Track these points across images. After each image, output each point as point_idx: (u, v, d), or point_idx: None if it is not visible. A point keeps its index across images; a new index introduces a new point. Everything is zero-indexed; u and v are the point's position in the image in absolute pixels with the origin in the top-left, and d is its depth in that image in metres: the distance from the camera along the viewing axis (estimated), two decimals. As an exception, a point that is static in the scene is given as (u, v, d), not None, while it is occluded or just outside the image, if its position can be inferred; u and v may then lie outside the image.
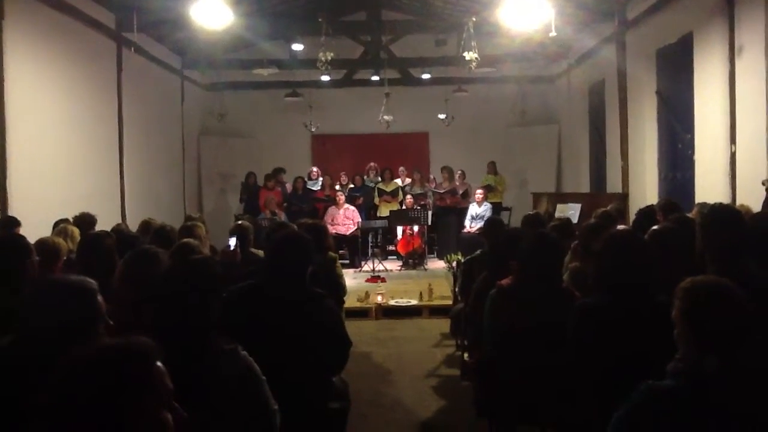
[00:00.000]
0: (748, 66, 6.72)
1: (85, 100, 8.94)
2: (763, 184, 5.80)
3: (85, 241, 4.38)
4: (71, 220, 6.07)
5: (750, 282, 2.46)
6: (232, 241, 4.62)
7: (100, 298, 2.27)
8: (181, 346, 1.86)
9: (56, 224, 5.90)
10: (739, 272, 2.61)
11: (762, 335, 2.05)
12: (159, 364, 1.49)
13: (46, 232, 5.39)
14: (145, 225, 5.80)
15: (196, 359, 2.15)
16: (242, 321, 2.93)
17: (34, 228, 5.56)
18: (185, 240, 4.21)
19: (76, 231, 5.51)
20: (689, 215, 5.07)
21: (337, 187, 12.86)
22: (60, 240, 4.59)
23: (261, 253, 5.01)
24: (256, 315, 3.06)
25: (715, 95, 7.33)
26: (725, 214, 3.27)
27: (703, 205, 5.35)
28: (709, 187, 7.43)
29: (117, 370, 1.42)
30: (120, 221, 8.06)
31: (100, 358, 1.44)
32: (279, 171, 13.16)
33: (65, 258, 4.46)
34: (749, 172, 6.61)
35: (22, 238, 3.89)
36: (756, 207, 5.52)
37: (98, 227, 6.05)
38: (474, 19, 10.06)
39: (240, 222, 5.73)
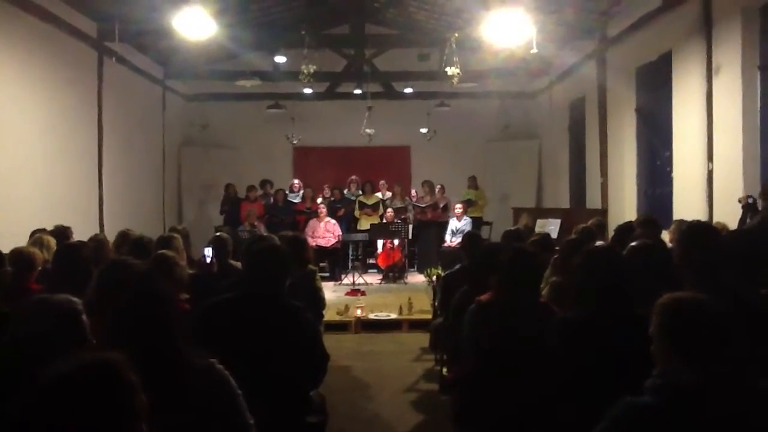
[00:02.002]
0: (725, 85, 6.82)
1: (65, 109, 8.86)
2: (740, 201, 5.87)
3: (62, 251, 4.33)
4: (48, 230, 6.00)
5: (726, 297, 2.48)
6: (208, 252, 4.59)
7: (84, 318, 2.24)
8: (148, 360, 1.82)
9: (32, 234, 5.83)
10: (716, 288, 2.63)
11: (740, 350, 2.06)
12: (132, 378, 1.47)
13: (22, 241, 5.33)
14: (123, 236, 5.75)
15: (166, 373, 2.11)
16: (218, 334, 2.90)
17: (10, 238, 5.49)
18: (161, 252, 4.17)
19: (53, 241, 5.44)
20: (667, 231, 5.13)
21: (320, 199, 12.82)
22: (35, 250, 4.53)
23: (240, 265, 4.98)
24: (232, 328, 3.04)
25: (693, 113, 7.42)
26: (702, 231, 3.30)
27: (681, 221, 5.41)
28: (687, 203, 7.51)
29: (90, 387, 1.40)
30: (98, 231, 7.97)
31: (74, 376, 1.42)
32: (265, 183, 13.13)
33: (40, 268, 4.41)
34: (726, 190, 6.69)
35: (-4, 247, 3.84)
36: (732, 224, 5.59)
37: (76, 237, 6.00)
38: (456, 34, 10.13)
39: (218, 234, 5.70)
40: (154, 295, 2.32)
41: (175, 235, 5.33)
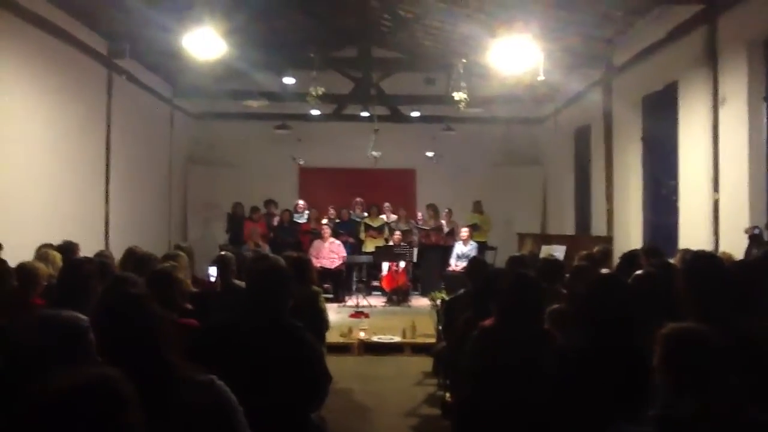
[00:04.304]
0: (731, 115, 6.85)
1: (73, 125, 8.92)
2: (746, 232, 5.86)
3: (67, 266, 4.34)
4: (54, 245, 6.02)
5: (728, 329, 2.47)
6: (213, 271, 4.60)
7: (91, 336, 2.24)
8: (141, 376, 1.82)
9: (38, 249, 5.85)
10: (719, 320, 2.62)
11: (740, 383, 2.06)
12: (128, 393, 1.48)
13: (28, 256, 5.35)
14: (129, 253, 5.76)
15: (156, 389, 2.10)
16: (219, 353, 2.89)
17: (17, 252, 5.51)
18: (161, 266, 4.17)
19: (58, 256, 5.46)
20: (672, 261, 5.12)
21: (325, 220, 12.84)
22: (40, 265, 4.55)
23: (243, 284, 4.98)
24: (233, 348, 3.03)
25: (699, 143, 7.44)
26: (707, 262, 3.30)
27: (686, 251, 5.40)
28: (693, 233, 7.50)
29: (85, 403, 1.40)
30: (103, 248, 7.99)
31: (69, 391, 1.43)
32: (270, 203, 13.16)
33: (45, 283, 4.42)
34: (732, 220, 6.68)
35: (2, 262, 3.85)
36: (738, 254, 5.58)
37: (82, 253, 6.02)
38: (464, 60, 10.20)
39: (222, 253, 5.72)
40: (139, 308, 2.31)
41: (180, 252, 5.35)
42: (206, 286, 4.60)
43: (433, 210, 12.69)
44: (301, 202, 13.41)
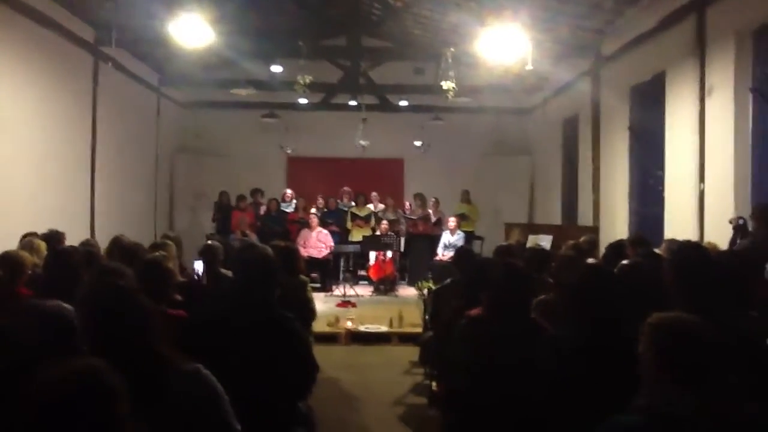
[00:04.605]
0: (717, 106, 6.87)
1: (59, 113, 8.85)
2: (730, 222, 5.90)
3: (52, 256, 4.31)
4: (39, 234, 5.97)
5: (715, 319, 2.49)
6: (199, 266, 4.58)
7: (75, 325, 2.23)
8: (129, 367, 1.81)
9: (23, 237, 5.80)
10: (705, 309, 2.63)
11: (726, 372, 2.07)
12: (115, 383, 1.47)
13: (12, 245, 5.30)
14: (115, 242, 5.72)
15: (146, 379, 2.09)
16: (206, 344, 2.88)
17: (2, 241, 5.46)
18: (151, 255, 4.14)
19: (43, 245, 5.42)
20: (658, 251, 5.15)
21: (314, 210, 12.81)
22: (25, 254, 4.51)
23: (230, 273, 4.97)
24: (221, 337, 3.02)
25: (685, 133, 7.47)
26: (693, 252, 3.32)
27: (672, 241, 5.44)
28: (678, 223, 7.54)
29: (72, 394, 1.40)
30: (89, 237, 7.94)
31: (56, 383, 1.42)
32: (256, 192, 13.11)
33: (30, 272, 4.38)
34: (717, 210, 6.73)
35: (-14, 251, 3.82)
36: (723, 244, 5.62)
37: (67, 242, 5.97)
38: (452, 49, 10.18)
39: (209, 242, 5.69)
40: (128, 301, 2.29)
41: (169, 242, 5.32)
42: (192, 278, 4.58)
43: (421, 199, 12.72)
44: (288, 191, 13.39)
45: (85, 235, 8.38)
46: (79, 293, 3.05)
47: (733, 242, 5.68)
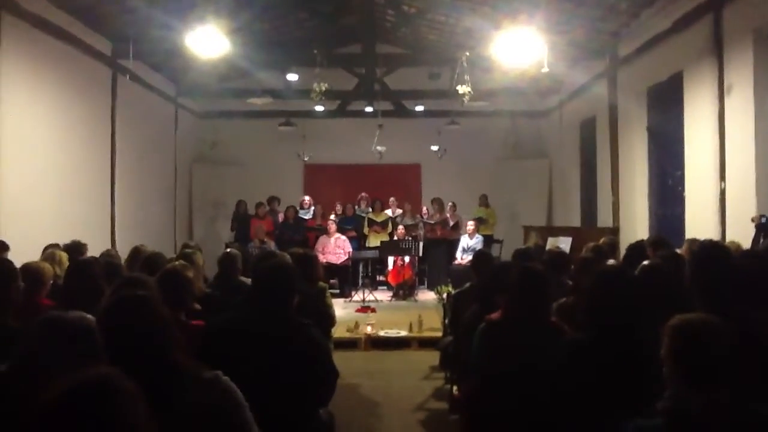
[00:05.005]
0: (737, 104, 6.80)
1: (79, 126, 8.95)
2: (753, 220, 5.83)
3: (73, 267, 4.35)
4: (61, 245, 6.03)
5: (738, 320, 2.46)
6: None
7: (98, 336, 2.24)
8: (148, 377, 1.82)
9: (45, 249, 5.87)
10: (727, 310, 2.60)
11: (749, 373, 2.05)
12: (131, 391, 1.48)
13: (35, 256, 5.36)
14: (135, 252, 5.76)
15: (165, 388, 2.10)
16: (224, 352, 2.89)
17: (24, 252, 5.52)
18: (170, 265, 4.16)
19: (65, 256, 5.47)
20: (679, 251, 5.10)
21: (332, 216, 12.84)
22: (46, 265, 4.55)
23: (249, 281, 4.98)
24: (240, 345, 3.03)
25: (704, 133, 7.40)
26: (714, 252, 3.28)
27: (693, 241, 5.38)
28: (699, 223, 7.47)
29: (89, 403, 1.41)
30: (110, 247, 8.01)
31: (71, 393, 1.43)
32: (273, 200, 13.17)
33: (51, 283, 4.42)
34: (739, 209, 6.65)
35: (8, 262, 3.86)
36: (745, 243, 5.55)
37: (88, 254, 6.02)
38: (467, 53, 10.17)
39: (228, 250, 5.72)
40: (146, 311, 2.30)
41: (198, 251, 5.35)
42: (213, 287, 4.62)
43: (438, 204, 12.71)
44: (307, 198, 13.42)
45: (106, 246, 8.45)
46: (100, 303, 3.09)
47: (755, 241, 5.62)
